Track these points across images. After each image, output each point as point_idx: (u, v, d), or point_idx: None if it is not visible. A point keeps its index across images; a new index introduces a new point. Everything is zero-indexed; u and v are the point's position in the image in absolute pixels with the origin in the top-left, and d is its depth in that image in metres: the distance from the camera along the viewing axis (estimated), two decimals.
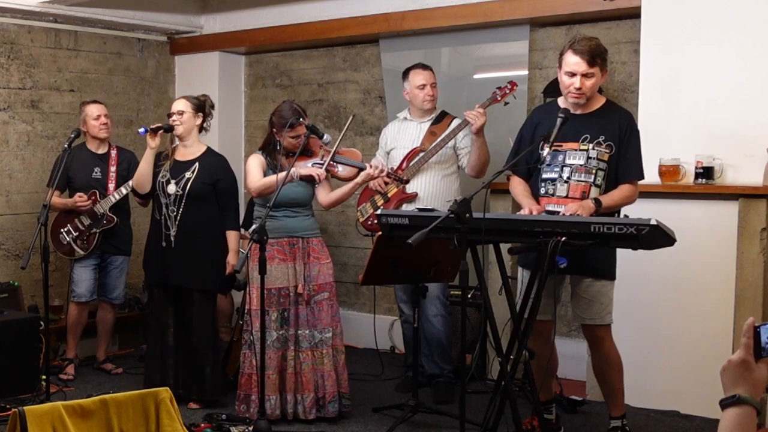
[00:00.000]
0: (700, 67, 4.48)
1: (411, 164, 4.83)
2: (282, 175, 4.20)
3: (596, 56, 3.67)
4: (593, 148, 3.74)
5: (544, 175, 3.83)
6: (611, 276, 3.87)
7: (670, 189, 4.44)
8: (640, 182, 3.88)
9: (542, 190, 3.83)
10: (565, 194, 3.76)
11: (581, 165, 3.75)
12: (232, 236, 4.73)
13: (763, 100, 4.31)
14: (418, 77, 4.87)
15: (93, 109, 5.37)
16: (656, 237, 3.14)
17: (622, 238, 3.17)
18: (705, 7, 4.46)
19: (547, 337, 3.91)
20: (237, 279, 5.05)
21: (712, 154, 4.38)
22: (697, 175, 4.42)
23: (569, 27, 5.30)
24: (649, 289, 4.47)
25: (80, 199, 5.26)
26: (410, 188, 4.82)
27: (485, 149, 4.70)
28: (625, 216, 3.71)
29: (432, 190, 4.82)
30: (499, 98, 4.71)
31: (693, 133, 4.44)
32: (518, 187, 3.96)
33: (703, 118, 4.45)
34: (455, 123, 4.85)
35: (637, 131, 3.82)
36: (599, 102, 3.85)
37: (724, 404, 1.63)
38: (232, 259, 4.69)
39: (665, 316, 4.50)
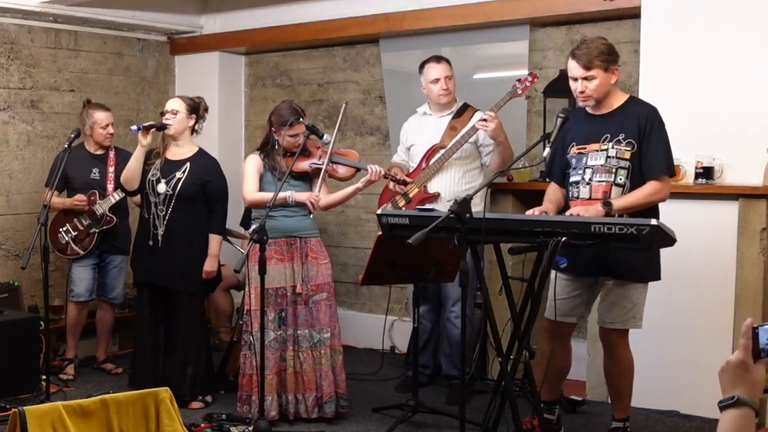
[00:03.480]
0: (700, 67, 4.48)
1: (431, 163, 4.76)
2: (279, 194, 4.17)
3: (593, 59, 3.63)
4: (612, 147, 3.70)
5: (571, 179, 3.81)
6: (640, 278, 3.78)
7: (671, 189, 4.43)
8: None
9: (570, 194, 3.82)
10: (587, 196, 3.72)
11: (601, 165, 3.71)
12: (213, 240, 4.67)
13: (763, 100, 4.31)
14: (431, 71, 4.78)
15: (102, 118, 5.34)
16: (656, 237, 3.14)
17: (623, 238, 3.16)
18: (705, 8, 4.46)
19: (567, 338, 3.91)
20: (222, 280, 5.03)
21: (712, 154, 4.38)
22: (697, 175, 4.41)
23: (569, 27, 5.30)
24: (648, 289, 4.46)
25: (78, 200, 5.26)
26: (431, 187, 4.77)
27: (507, 151, 4.62)
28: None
29: (455, 189, 4.71)
30: (519, 92, 4.58)
31: (693, 133, 4.43)
32: (547, 191, 3.95)
33: (703, 119, 4.44)
34: (477, 116, 4.71)
35: (661, 125, 3.70)
36: (620, 99, 3.78)
37: (723, 406, 1.63)
38: (207, 265, 4.63)
39: (665, 316, 4.49)
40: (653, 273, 3.81)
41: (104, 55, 6.45)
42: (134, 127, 4.60)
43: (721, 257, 4.35)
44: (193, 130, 4.74)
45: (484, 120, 4.49)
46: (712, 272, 4.39)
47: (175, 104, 4.67)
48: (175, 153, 4.69)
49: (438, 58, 4.83)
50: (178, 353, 4.68)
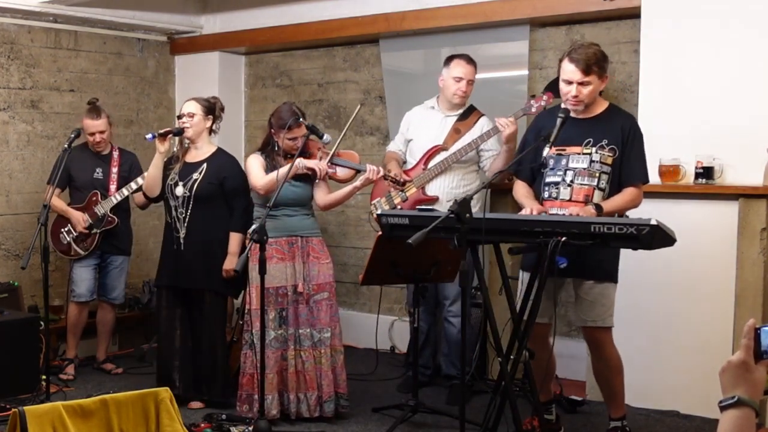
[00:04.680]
0: (699, 67, 4.48)
1: (430, 166, 4.73)
2: (284, 169, 4.21)
3: (592, 65, 3.66)
4: (596, 152, 3.73)
5: (548, 179, 3.82)
6: (613, 278, 3.86)
7: (670, 189, 4.44)
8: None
9: (545, 194, 3.83)
10: (568, 197, 3.74)
11: (584, 168, 3.74)
12: (234, 238, 4.65)
13: (763, 100, 4.31)
14: (457, 68, 4.72)
15: (88, 125, 5.29)
16: (656, 237, 3.14)
17: (623, 238, 3.17)
18: (705, 7, 4.46)
19: (544, 339, 3.91)
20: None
21: (712, 154, 4.38)
22: (697, 175, 4.42)
23: (569, 27, 5.30)
24: (649, 289, 4.47)
25: (82, 220, 5.26)
26: (430, 190, 4.75)
27: (513, 158, 4.61)
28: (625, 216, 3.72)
29: (452, 191, 4.71)
30: (533, 110, 4.53)
31: (693, 133, 4.44)
32: (521, 189, 3.95)
33: (703, 118, 4.44)
34: (482, 122, 4.74)
35: (641, 135, 3.80)
36: (602, 106, 3.84)
37: (723, 406, 1.63)
38: (227, 263, 4.60)
39: (665, 316, 4.50)
40: (617, 274, 3.87)
41: (104, 55, 6.45)
42: (149, 136, 4.57)
43: (721, 257, 4.36)
44: (210, 131, 4.74)
45: (505, 122, 4.43)
46: (712, 272, 4.40)
47: (191, 107, 4.65)
48: (193, 155, 4.69)
49: (469, 59, 4.77)
50: (204, 354, 4.68)
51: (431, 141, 4.80)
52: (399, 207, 4.72)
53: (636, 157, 3.76)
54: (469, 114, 4.82)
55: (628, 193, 3.76)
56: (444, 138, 4.77)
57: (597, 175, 3.73)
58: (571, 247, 3.33)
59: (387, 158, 4.98)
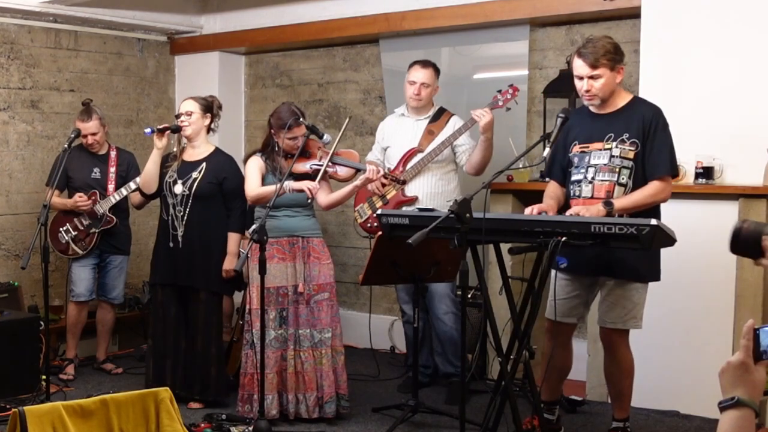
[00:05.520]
0: (699, 67, 4.48)
1: (408, 167, 4.80)
2: (275, 187, 4.19)
3: (600, 57, 3.62)
4: (616, 146, 3.69)
5: (572, 178, 3.81)
6: (640, 278, 3.78)
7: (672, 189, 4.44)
8: None
9: (571, 193, 3.81)
10: (590, 195, 3.71)
11: (605, 164, 3.70)
12: (232, 239, 4.67)
13: (763, 100, 4.31)
14: (411, 73, 4.84)
15: (80, 127, 5.23)
16: (656, 237, 3.14)
17: (623, 238, 3.16)
18: (705, 7, 4.46)
19: (567, 339, 3.91)
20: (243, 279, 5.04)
21: (712, 154, 4.38)
22: (697, 175, 4.42)
23: (569, 27, 5.30)
24: (648, 289, 4.46)
25: (80, 199, 5.26)
26: (409, 191, 4.80)
27: (490, 149, 4.64)
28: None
29: (431, 191, 4.78)
30: (500, 104, 4.62)
31: (693, 133, 4.43)
32: (547, 189, 3.95)
33: (702, 118, 4.44)
34: (453, 121, 4.81)
35: (665, 125, 3.70)
36: (624, 99, 3.78)
37: (723, 406, 1.63)
38: (227, 263, 4.62)
39: (665, 316, 4.49)
40: (653, 273, 3.82)
41: (104, 55, 6.45)
42: (147, 130, 4.58)
43: (721, 257, 4.30)
44: (209, 129, 4.74)
45: (480, 112, 4.50)
46: (712, 272, 4.39)
47: (189, 106, 4.66)
48: (191, 154, 4.70)
49: (425, 63, 4.84)
50: (199, 353, 4.67)
51: (407, 145, 4.87)
52: (381, 210, 4.73)
53: (659, 148, 3.66)
54: (440, 115, 4.89)
55: (650, 187, 3.65)
56: (419, 140, 4.84)
57: (617, 170, 3.68)
58: (571, 248, 3.32)
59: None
